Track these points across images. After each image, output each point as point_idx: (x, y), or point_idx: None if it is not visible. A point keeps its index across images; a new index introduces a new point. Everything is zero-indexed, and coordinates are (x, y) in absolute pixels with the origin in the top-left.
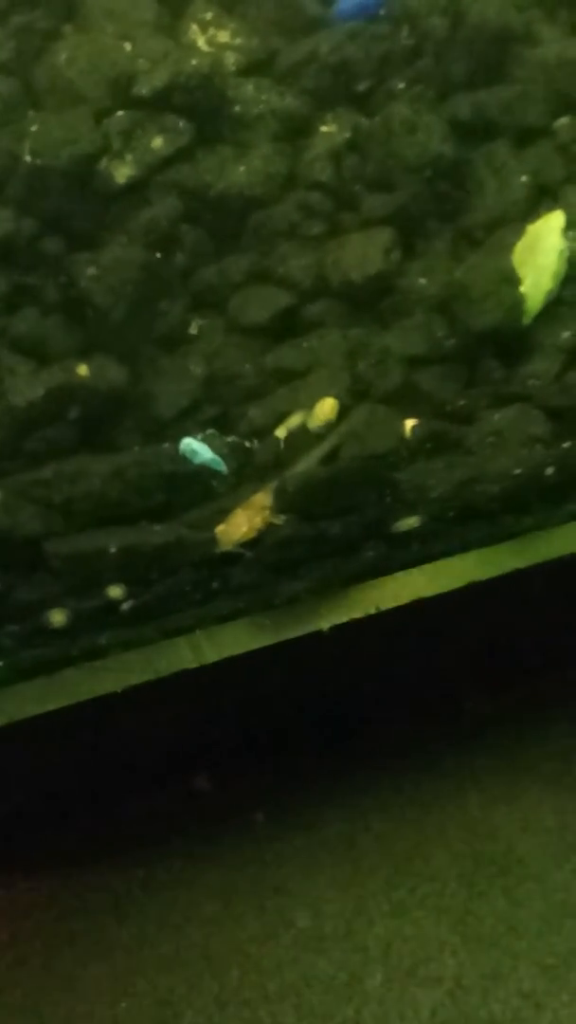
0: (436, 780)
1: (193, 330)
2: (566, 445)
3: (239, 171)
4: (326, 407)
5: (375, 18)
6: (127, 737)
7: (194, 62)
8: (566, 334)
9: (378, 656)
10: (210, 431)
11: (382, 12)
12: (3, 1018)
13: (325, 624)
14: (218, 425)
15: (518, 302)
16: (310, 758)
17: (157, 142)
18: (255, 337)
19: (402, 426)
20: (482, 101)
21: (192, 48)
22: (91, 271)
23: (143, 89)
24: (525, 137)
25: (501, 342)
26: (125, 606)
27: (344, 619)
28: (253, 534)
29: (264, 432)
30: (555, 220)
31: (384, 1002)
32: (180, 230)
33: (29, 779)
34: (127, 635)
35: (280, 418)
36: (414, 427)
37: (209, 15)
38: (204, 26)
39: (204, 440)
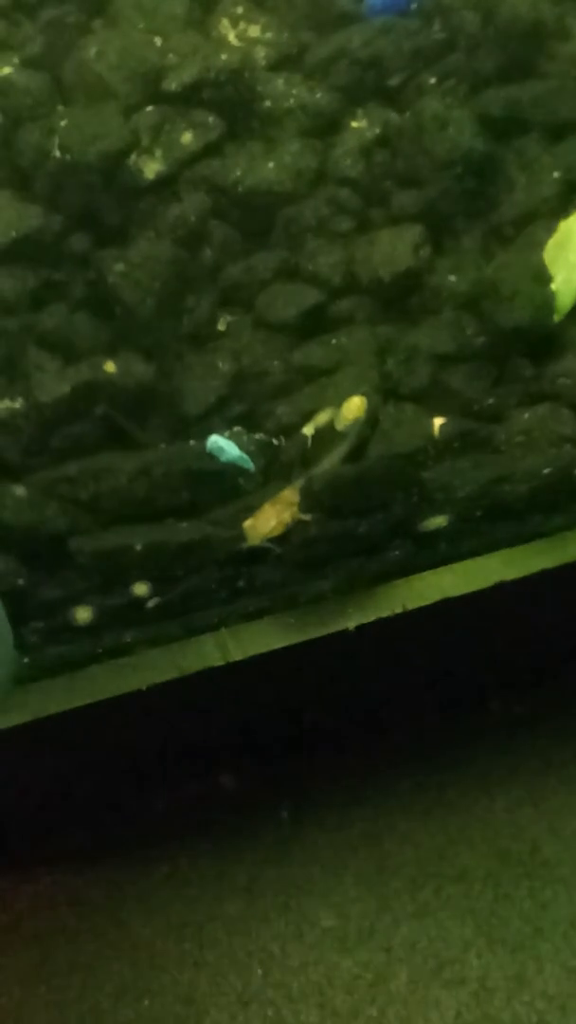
0: (462, 780)
1: (221, 327)
2: None
3: (268, 167)
4: (354, 405)
5: (406, 12)
6: (152, 734)
7: (224, 57)
8: None
9: (404, 655)
10: (237, 428)
11: (413, 7)
12: (27, 1014)
13: (351, 623)
14: (245, 422)
15: (549, 299)
16: (335, 757)
17: (186, 137)
18: (283, 334)
19: (430, 424)
20: (514, 96)
21: (222, 43)
22: (119, 267)
23: (173, 84)
24: (557, 132)
25: (531, 340)
26: (150, 604)
27: (371, 618)
28: (281, 529)
29: (291, 430)
30: None
31: (408, 1003)
32: (209, 226)
33: (54, 776)
34: (152, 633)
35: (308, 416)
36: (442, 425)
37: (240, 9)
38: (235, 20)
39: (231, 437)
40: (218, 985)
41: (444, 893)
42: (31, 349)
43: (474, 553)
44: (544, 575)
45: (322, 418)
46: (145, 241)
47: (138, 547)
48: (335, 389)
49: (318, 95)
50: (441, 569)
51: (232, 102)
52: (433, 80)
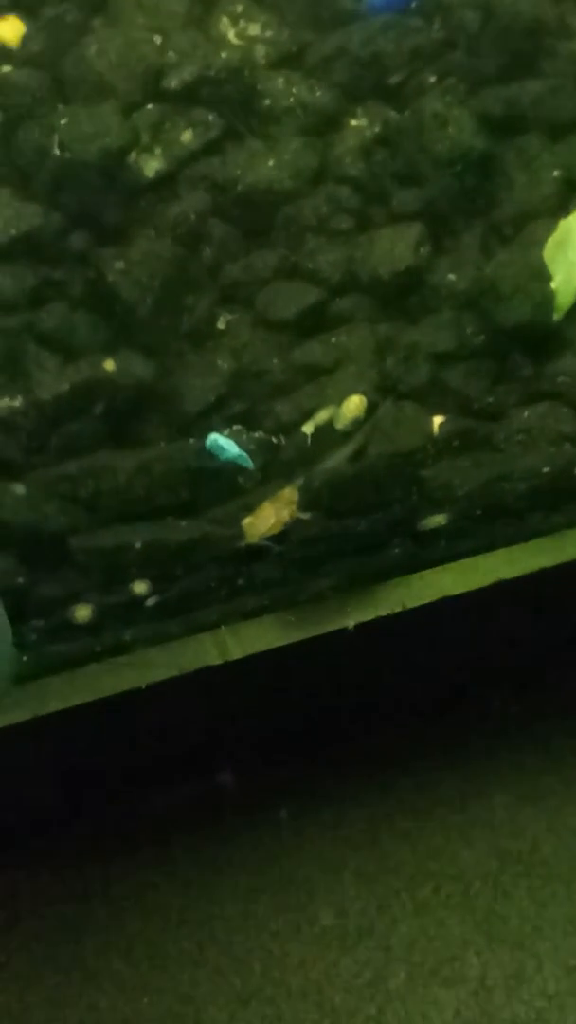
0: (461, 778)
1: (221, 325)
2: None
3: (268, 165)
4: (353, 404)
5: (406, 11)
6: (150, 733)
7: (224, 55)
8: None
9: (404, 654)
10: (237, 427)
11: (413, 5)
12: (25, 1012)
13: (351, 621)
14: (245, 421)
15: (548, 298)
16: (334, 755)
17: (186, 136)
18: (283, 332)
19: (430, 423)
20: (514, 95)
21: (222, 41)
22: (119, 265)
23: (173, 82)
24: (557, 131)
25: (531, 338)
26: (150, 602)
27: (370, 617)
28: (280, 527)
29: (291, 428)
30: None
31: (407, 1001)
32: (208, 224)
33: (53, 773)
34: (151, 631)
35: (307, 414)
36: (442, 424)
37: (240, 7)
38: (234, 19)
39: (231, 436)
40: (217, 983)
41: (443, 891)
42: (31, 347)
43: (474, 552)
44: (543, 574)
45: (322, 416)
46: (145, 239)
47: (137, 545)
48: (335, 387)
49: (318, 93)
50: (440, 568)
51: (232, 100)
52: (433, 78)
